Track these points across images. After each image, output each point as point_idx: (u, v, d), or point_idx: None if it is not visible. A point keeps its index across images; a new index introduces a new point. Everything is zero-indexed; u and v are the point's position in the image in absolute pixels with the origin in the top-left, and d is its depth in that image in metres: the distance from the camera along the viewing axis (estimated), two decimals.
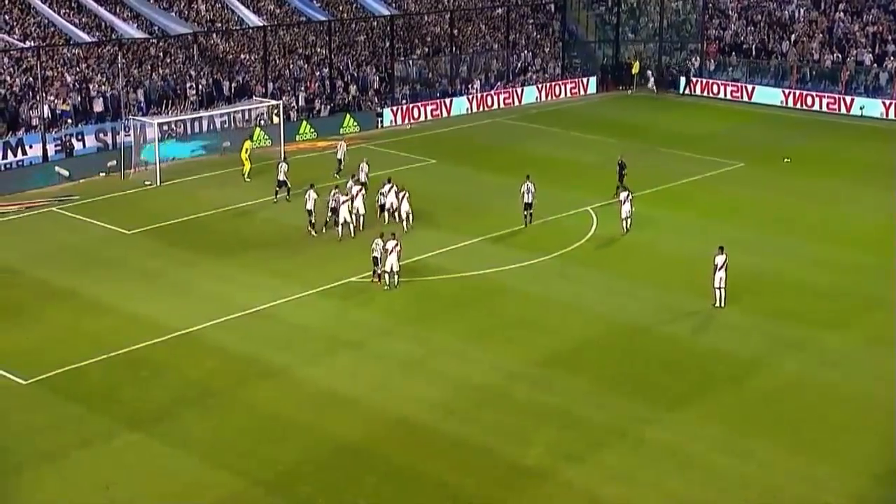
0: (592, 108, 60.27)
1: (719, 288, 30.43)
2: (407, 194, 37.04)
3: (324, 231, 36.49)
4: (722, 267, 30.37)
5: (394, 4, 60.77)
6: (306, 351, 27.67)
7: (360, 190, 36.83)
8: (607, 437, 23.53)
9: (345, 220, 35.71)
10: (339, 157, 44.15)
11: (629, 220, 37.27)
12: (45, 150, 43.69)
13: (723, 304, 30.42)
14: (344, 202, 35.81)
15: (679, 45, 66.51)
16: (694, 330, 29.13)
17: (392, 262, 31.51)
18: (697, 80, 63.36)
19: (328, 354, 27.51)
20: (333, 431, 23.64)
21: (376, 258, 31.88)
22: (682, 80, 63.64)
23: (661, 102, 61.99)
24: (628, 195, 37.58)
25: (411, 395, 25.37)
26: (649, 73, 64.39)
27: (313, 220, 36.35)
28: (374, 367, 26.87)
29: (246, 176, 43.70)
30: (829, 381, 26.30)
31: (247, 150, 44.39)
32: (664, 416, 24.47)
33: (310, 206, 36.46)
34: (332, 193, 36.83)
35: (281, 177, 40.13)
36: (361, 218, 36.21)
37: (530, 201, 37.59)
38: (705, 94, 62.65)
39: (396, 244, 31.66)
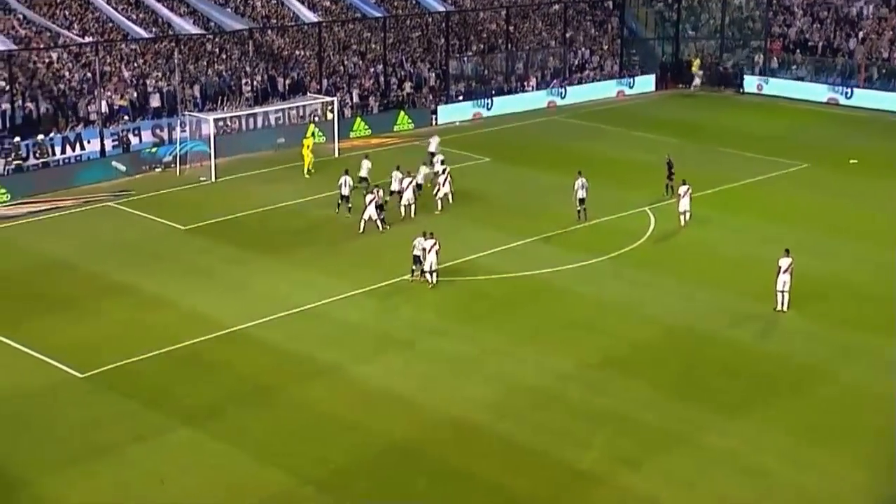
0: (651, 107, 59.92)
1: (782, 291, 30.12)
2: (418, 179, 38.26)
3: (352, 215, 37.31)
4: (787, 270, 30.06)
5: (449, 0, 60.94)
6: (357, 349, 27.99)
7: (373, 196, 36.28)
8: (665, 443, 23.46)
9: (369, 217, 36.01)
10: (430, 150, 43.69)
11: (688, 215, 37.10)
12: (102, 146, 44.57)
13: (785, 309, 30.12)
14: (371, 200, 35.98)
15: (741, 42, 65.78)
16: (755, 334, 28.91)
17: (431, 261, 31.73)
18: (760, 79, 62.63)
19: (379, 353, 27.81)
20: (385, 430, 23.89)
21: (417, 257, 32.11)
22: (744, 78, 62.96)
23: (721, 101, 61.40)
24: (687, 189, 37.42)
25: (463, 395, 25.54)
26: (698, 71, 63.59)
27: (350, 206, 37.39)
28: (425, 366, 27.11)
29: (306, 171, 44.22)
30: (894, 392, 25.91)
31: (308, 146, 44.91)
32: (724, 422, 24.33)
33: (346, 191, 37.92)
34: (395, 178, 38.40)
35: (363, 173, 40.23)
36: (404, 208, 36.37)
37: (584, 196, 37.57)
38: (768, 92, 61.89)
39: (435, 243, 31.82)
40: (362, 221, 36.15)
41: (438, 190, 39.37)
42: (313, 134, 48.64)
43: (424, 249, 31.81)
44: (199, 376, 26.45)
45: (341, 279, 32.63)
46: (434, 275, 31.96)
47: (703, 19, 67.65)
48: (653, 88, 64.13)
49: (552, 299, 31.54)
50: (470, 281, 32.92)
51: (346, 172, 38.82)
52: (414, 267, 32.31)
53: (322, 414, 24.64)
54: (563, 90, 60.26)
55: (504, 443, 23.43)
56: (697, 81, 63.44)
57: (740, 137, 51.53)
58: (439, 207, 39.06)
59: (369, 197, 36.32)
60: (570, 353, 27.73)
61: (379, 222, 36.41)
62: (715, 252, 35.55)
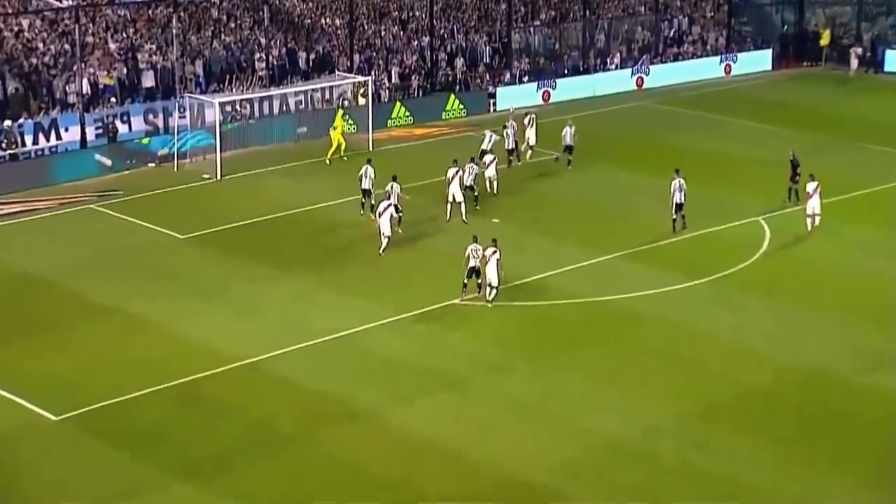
0: (767, 90, 59.75)
1: None
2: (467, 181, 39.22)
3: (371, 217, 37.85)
4: None
5: None
6: (397, 389, 28.23)
7: (389, 204, 36.60)
8: None
9: (384, 231, 35.98)
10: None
11: (817, 218, 37.20)
12: (83, 134, 45.25)
13: None
14: (387, 207, 36.12)
15: (885, 9, 65.28)
16: None
17: (490, 275, 32.09)
18: None
19: (424, 394, 28.02)
20: (430, 491, 24.03)
21: (475, 269, 32.42)
22: (890, 53, 62.42)
23: (857, 83, 61.04)
24: (817, 186, 37.36)
25: (527, 449, 25.63)
26: (852, 49, 63.08)
27: (374, 203, 37.83)
28: (481, 411, 27.26)
29: (329, 157, 44.80)
30: None
31: (338, 127, 45.66)
32: (858, 493, 24.20)
33: (367, 184, 38.58)
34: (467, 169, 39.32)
35: (366, 184, 39.86)
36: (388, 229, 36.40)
37: (682, 201, 37.65)
38: None
39: (496, 251, 32.21)
40: (382, 239, 35.99)
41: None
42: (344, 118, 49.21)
43: (485, 259, 32.15)
44: (201, 420, 26.80)
45: (376, 301, 32.91)
46: (494, 292, 32.20)
47: None
48: (769, 67, 63.94)
49: (639, 331, 31.55)
50: (537, 306, 33.03)
51: (369, 162, 39.42)
52: (466, 281, 32.58)
53: (353, 468, 24.86)
54: (655, 68, 60.27)
55: None
56: (854, 64, 62.33)
57: (882, 129, 51.17)
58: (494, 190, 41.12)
59: (383, 205, 36.28)
60: (663, 399, 27.71)
61: (395, 224, 36.85)
62: (847, 274, 35.37)
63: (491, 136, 43.94)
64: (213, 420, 26.78)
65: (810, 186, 37.74)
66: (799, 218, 39.28)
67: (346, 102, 50.81)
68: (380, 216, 36.10)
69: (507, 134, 44.85)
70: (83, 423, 26.51)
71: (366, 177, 39.14)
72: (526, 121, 46.17)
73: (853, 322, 31.92)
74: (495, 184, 41.69)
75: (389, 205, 36.25)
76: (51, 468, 24.89)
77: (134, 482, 24.31)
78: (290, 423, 26.64)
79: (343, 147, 45.87)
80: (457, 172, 38.82)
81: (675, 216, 37.87)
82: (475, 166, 40.34)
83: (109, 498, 23.77)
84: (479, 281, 32.73)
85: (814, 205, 37.57)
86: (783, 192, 40.75)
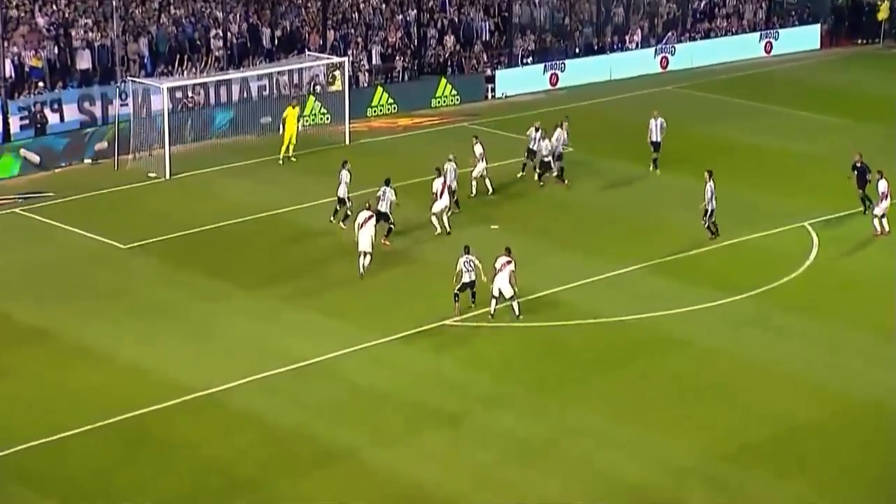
0: (815, 73, 60.07)
1: None
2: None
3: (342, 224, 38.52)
4: None
5: None
6: (380, 426, 28.25)
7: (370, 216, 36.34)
8: None
9: (364, 251, 35.80)
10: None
11: (885, 221, 37.74)
12: (6, 125, 45.30)
13: None
14: (368, 218, 35.73)
15: None
16: None
17: (501, 285, 32.35)
18: None
19: (412, 432, 28.07)
20: None
21: (469, 284, 32.77)
22: None
23: None
24: (886, 185, 37.83)
25: (534, 496, 25.64)
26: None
27: (350, 211, 38.40)
28: (479, 452, 27.27)
29: (289, 155, 45.24)
30: None
31: (291, 118, 45.63)
32: None
33: (342, 191, 39.00)
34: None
35: (341, 192, 40.05)
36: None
37: (714, 207, 37.91)
38: None
39: (509, 261, 32.55)
40: (362, 258, 35.68)
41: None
42: (308, 110, 49.29)
43: (495, 269, 32.53)
44: (148, 463, 26.75)
45: (354, 322, 33.01)
46: (515, 304, 32.85)
47: None
48: (817, 45, 64.20)
49: (664, 357, 31.66)
50: (546, 327, 33.20)
51: (345, 165, 39.57)
52: (458, 292, 32.81)
53: None
54: (682, 47, 60.46)
55: None
56: None
57: None
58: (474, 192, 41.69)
59: (364, 215, 35.78)
60: (692, 438, 27.76)
61: (383, 237, 37.32)
62: None
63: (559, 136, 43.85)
64: (162, 463, 26.73)
65: (881, 186, 37.95)
66: (852, 223, 39.52)
67: (318, 88, 50.85)
68: (359, 228, 35.65)
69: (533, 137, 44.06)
70: (8, 467, 26.46)
71: (342, 182, 39.17)
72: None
73: None
74: (488, 181, 41.98)
75: (371, 216, 35.86)
76: None
77: None
78: (252, 467, 26.61)
79: (292, 145, 45.75)
80: (444, 184, 38.65)
81: (706, 222, 38.14)
82: (453, 164, 40.09)
83: None
84: (473, 294, 32.95)
85: (884, 207, 37.82)
86: (843, 192, 40.58)
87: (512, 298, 32.92)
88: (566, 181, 43.10)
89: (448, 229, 38.53)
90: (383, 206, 37.44)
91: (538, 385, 30.17)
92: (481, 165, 41.89)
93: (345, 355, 31.39)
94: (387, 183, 37.94)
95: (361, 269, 35.67)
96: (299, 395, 29.60)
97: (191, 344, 32.11)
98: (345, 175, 39.24)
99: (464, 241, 34.51)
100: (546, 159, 43.00)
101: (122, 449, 27.30)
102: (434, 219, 38.60)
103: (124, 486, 25.97)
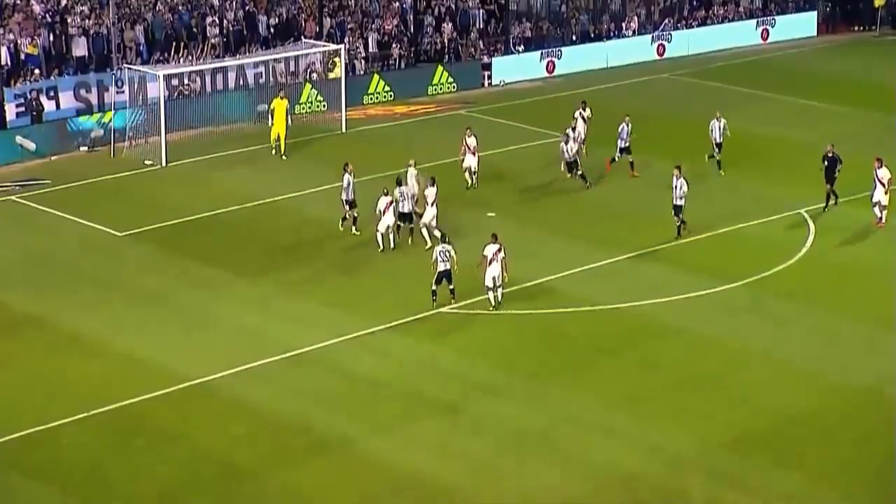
0: (811, 60, 60.00)
1: None
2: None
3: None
4: None
5: None
6: (376, 415, 28.19)
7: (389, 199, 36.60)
8: None
9: (387, 228, 36.38)
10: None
11: (883, 211, 37.54)
12: (2, 113, 45.21)
13: None
14: (388, 205, 36.24)
15: None
16: None
17: (495, 274, 32.26)
18: None
19: (408, 421, 28.00)
20: None
21: (445, 273, 32.49)
22: None
23: None
24: (887, 174, 37.46)
25: (531, 485, 25.59)
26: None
27: (357, 214, 37.36)
28: (475, 441, 27.23)
29: (280, 153, 44.75)
30: None
31: (280, 109, 44.91)
32: None
33: (349, 195, 37.53)
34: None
35: (346, 195, 39.51)
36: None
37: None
38: None
39: (500, 249, 32.35)
40: (379, 235, 36.37)
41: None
42: (304, 97, 49.10)
43: (485, 258, 32.32)
44: (143, 451, 26.68)
45: (351, 311, 32.93)
46: (498, 293, 32.49)
47: None
48: (813, 33, 64.14)
49: (660, 345, 31.60)
50: (541, 315, 33.10)
51: (347, 168, 38.05)
52: (435, 288, 32.68)
53: None
54: (679, 35, 60.36)
55: None
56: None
57: None
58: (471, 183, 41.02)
59: (384, 201, 36.34)
60: (689, 427, 27.69)
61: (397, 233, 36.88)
62: None
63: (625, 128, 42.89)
64: (156, 451, 26.66)
65: (881, 174, 37.76)
66: (848, 211, 39.47)
67: (315, 75, 50.78)
68: (381, 215, 36.15)
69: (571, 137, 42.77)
70: (4, 455, 26.43)
71: (349, 186, 37.64)
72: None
73: None
74: (475, 177, 41.58)
75: (391, 202, 36.22)
76: None
77: None
78: (246, 456, 26.54)
79: (282, 140, 45.11)
80: (389, 203, 36.86)
81: (677, 220, 37.58)
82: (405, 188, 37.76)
83: None
84: (452, 287, 32.78)
85: (881, 195, 37.74)
86: (850, 187, 40.44)
87: (499, 287, 32.73)
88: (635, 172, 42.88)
89: (428, 242, 36.40)
90: (405, 207, 36.81)
91: (535, 373, 30.10)
92: (471, 158, 41.35)
93: (341, 344, 31.31)
94: (398, 183, 37.21)
95: (392, 244, 36.34)
96: (295, 384, 29.53)
97: (186, 332, 32.04)
98: (348, 177, 37.83)
99: (462, 227, 34.44)
100: (570, 160, 42.16)
101: (115, 438, 27.24)
102: (424, 230, 37.03)
103: (120, 474, 25.93)
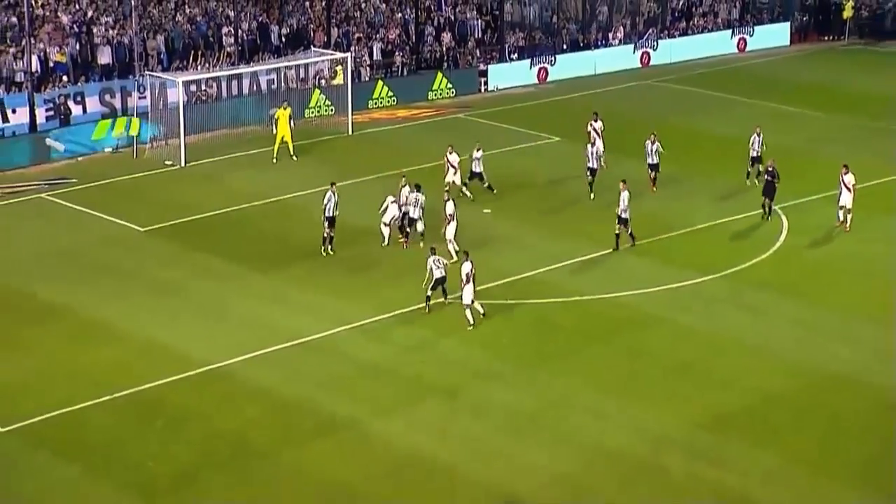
0: (785, 68, 59.82)
1: None
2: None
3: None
4: None
5: None
6: (380, 398, 28.08)
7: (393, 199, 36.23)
8: None
9: (392, 220, 36.16)
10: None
11: (849, 214, 37.02)
12: (32, 116, 45.08)
13: None
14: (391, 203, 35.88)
15: None
16: None
17: (471, 292, 31.25)
18: None
19: (410, 404, 27.90)
20: None
21: (441, 280, 31.83)
22: None
23: (888, 59, 61.43)
24: (853, 179, 36.99)
25: (524, 463, 25.53)
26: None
27: (332, 234, 35.83)
28: (473, 423, 27.13)
29: (291, 154, 44.41)
30: None
31: (277, 117, 44.37)
32: None
33: (331, 212, 35.75)
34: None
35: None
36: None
37: (627, 216, 36.10)
38: None
39: (472, 269, 31.26)
40: (383, 227, 36.27)
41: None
42: (313, 102, 48.97)
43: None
44: (161, 432, 26.57)
45: (356, 301, 32.79)
46: (477, 305, 31.51)
47: None
48: (787, 42, 64.05)
49: (644, 333, 31.47)
50: (533, 305, 32.95)
51: (332, 186, 36.48)
52: (430, 294, 32.15)
53: (329, 485, 24.71)
54: (662, 44, 60.23)
55: None
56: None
57: None
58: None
59: (389, 199, 36.13)
60: (671, 409, 27.60)
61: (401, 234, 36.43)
62: (877, 270, 35.32)
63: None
64: (174, 432, 26.60)
65: (846, 178, 37.35)
66: (820, 208, 39.38)
67: (323, 81, 50.74)
68: (382, 213, 35.95)
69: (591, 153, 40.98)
70: (31, 436, 26.34)
71: (330, 203, 35.82)
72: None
73: (880, 323, 31.78)
74: (465, 188, 40.14)
75: (395, 201, 35.91)
76: None
77: (86, 501, 24.15)
78: (259, 436, 26.46)
79: (287, 143, 44.42)
80: (394, 201, 36.35)
81: (618, 230, 36.11)
82: (420, 195, 36.59)
83: None
84: (444, 290, 32.14)
85: (847, 199, 37.22)
86: (814, 178, 40.35)
87: (474, 302, 31.57)
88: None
89: (454, 257, 34.73)
90: (415, 213, 36.13)
91: (528, 360, 29.98)
92: (452, 175, 39.70)
93: (346, 332, 31.19)
94: (418, 188, 36.40)
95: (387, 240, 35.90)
96: (304, 369, 29.42)
97: (202, 321, 31.93)
98: (329, 195, 36.01)
99: (460, 223, 34.24)
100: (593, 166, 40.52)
101: (135, 420, 27.16)
102: (450, 246, 35.19)
103: (139, 453, 25.84)
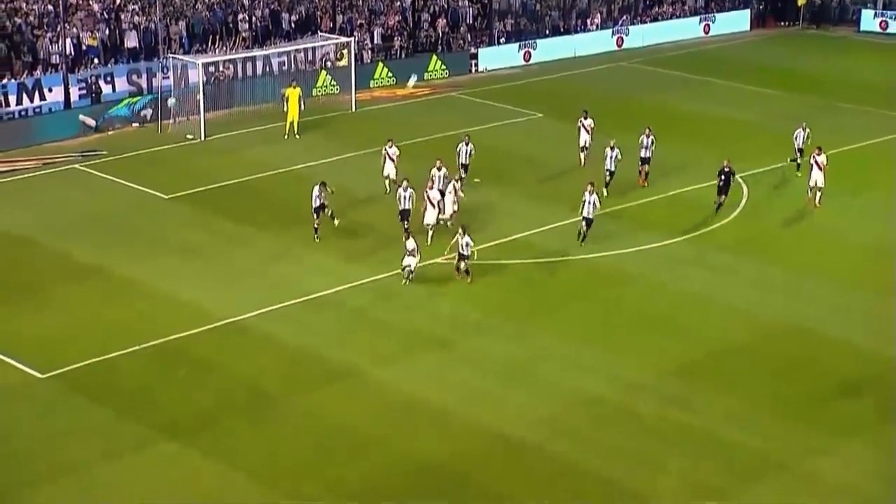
0: (746, 50, 59.57)
1: None
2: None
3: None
4: None
5: None
6: (382, 349, 28.04)
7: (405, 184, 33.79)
8: (760, 469, 23.39)
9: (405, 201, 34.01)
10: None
11: (819, 193, 36.31)
12: (67, 95, 44.86)
13: None
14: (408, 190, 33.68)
15: None
16: (878, 338, 28.57)
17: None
18: (885, 14, 62.16)
19: (409, 354, 27.84)
20: (414, 449, 23.94)
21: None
22: (866, 13, 62.59)
23: (836, 43, 61.07)
24: (825, 159, 36.32)
25: (511, 408, 25.55)
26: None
27: (318, 224, 33.99)
28: (466, 371, 27.12)
29: (288, 131, 43.85)
30: None
31: (287, 96, 43.81)
32: (833, 445, 24.19)
33: (315, 202, 33.81)
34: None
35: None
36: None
37: (612, 168, 36.71)
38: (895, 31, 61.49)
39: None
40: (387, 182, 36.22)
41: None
42: (320, 83, 48.64)
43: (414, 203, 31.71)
44: (185, 378, 26.58)
45: (361, 262, 32.68)
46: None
47: None
48: (747, 27, 63.81)
49: (619, 290, 31.44)
50: (519, 265, 32.83)
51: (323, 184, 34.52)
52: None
53: (337, 427, 24.71)
54: (635, 29, 59.90)
55: (560, 467, 23.39)
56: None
57: (858, 89, 51.13)
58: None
59: (405, 184, 33.90)
60: (642, 358, 27.62)
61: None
62: (829, 233, 35.29)
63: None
64: (197, 378, 26.60)
65: (819, 158, 36.46)
66: (776, 177, 39.33)
67: (329, 63, 50.53)
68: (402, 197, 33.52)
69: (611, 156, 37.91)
70: (69, 381, 26.35)
71: (318, 196, 34.03)
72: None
73: (831, 279, 31.86)
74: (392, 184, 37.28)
75: (408, 187, 33.50)
76: (37, 424, 24.75)
77: (118, 440, 24.18)
78: (273, 383, 26.44)
79: (293, 121, 43.66)
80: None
81: (584, 230, 33.77)
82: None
83: (93, 455, 23.65)
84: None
85: (818, 177, 36.34)
86: (771, 150, 40.14)
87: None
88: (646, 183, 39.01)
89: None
90: (405, 205, 33.74)
91: (516, 315, 29.95)
92: (391, 166, 37.12)
93: (351, 289, 31.06)
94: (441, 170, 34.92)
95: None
96: (312, 323, 29.35)
97: (221, 279, 31.80)
98: (317, 190, 33.95)
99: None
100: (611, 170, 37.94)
101: (162, 367, 27.13)
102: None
103: (166, 397, 25.86)
